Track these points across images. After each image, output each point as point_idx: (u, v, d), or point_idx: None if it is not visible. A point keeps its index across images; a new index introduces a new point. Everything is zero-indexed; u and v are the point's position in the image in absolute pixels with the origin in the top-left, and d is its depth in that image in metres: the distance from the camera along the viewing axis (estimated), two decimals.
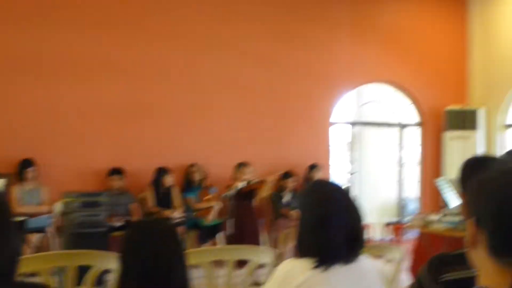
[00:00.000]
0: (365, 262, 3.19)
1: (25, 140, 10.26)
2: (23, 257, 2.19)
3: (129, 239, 2.95)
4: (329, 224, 3.09)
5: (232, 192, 9.31)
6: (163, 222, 3.14)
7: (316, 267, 3.08)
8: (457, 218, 7.79)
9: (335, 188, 3.29)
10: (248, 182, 9.88)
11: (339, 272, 3.08)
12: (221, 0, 11.72)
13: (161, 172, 10.67)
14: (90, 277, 3.94)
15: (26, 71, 10.30)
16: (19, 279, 2.10)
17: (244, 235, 9.60)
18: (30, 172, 10.00)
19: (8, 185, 8.04)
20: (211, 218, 10.65)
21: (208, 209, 10.75)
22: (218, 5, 11.67)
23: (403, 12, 13.36)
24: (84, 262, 3.97)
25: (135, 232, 2.99)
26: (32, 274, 6.82)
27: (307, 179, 11.56)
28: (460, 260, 2.94)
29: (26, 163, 10.01)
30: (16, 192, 9.82)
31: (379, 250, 4.79)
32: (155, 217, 9.94)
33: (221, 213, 10.85)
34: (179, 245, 2.96)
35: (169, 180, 10.67)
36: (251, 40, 11.80)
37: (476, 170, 3.08)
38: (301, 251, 3.21)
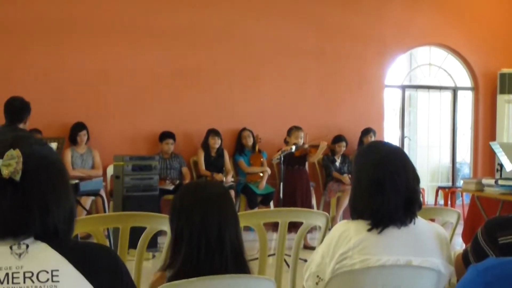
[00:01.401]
0: (421, 224, 3.14)
1: (77, 104, 10.37)
2: (77, 218, 2.19)
3: (181, 201, 2.94)
4: (385, 186, 3.04)
5: (284, 154, 9.25)
6: (215, 184, 3.13)
7: (371, 229, 3.04)
8: None
9: (391, 149, 3.23)
10: (301, 146, 9.82)
11: (394, 234, 3.04)
12: None
13: (210, 133, 10.70)
14: (144, 238, 3.95)
15: (77, 36, 10.39)
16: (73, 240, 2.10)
17: (296, 199, 9.57)
18: (82, 135, 10.11)
19: (60, 149, 8.10)
20: (264, 185, 10.65)
21: (260, 174, 10.75)
22: None
23: None
24: (137, 223, 3.98)
25: (186, 194, 2.98)
26: (86, 236, 6.92)
27: (360, 143, 11.50)
28: None
29: (79, 127, 10.13)
30: (69, 155, 9.94)
31: (434, 213, 4.73)
32: (207, 180, 10.00)
33: (271, 177, 10.86)
34: (231, 207, 2.95)
35: (217, 141, 10.69)
36: (302, 4, 11.69)
37: None
38: (356, 214, 3.17)
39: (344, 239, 3.03)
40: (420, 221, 3.14)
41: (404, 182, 3.06)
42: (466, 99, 13.44)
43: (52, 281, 1.91)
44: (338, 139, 11.33)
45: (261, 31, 11.40)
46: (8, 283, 1.88)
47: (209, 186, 3.02)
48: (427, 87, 13.29)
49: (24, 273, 1.89)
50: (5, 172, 1.88)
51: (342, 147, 11.33)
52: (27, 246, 1.91)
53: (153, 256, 8.50)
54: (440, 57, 13.25)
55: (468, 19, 12.94)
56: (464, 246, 7.90)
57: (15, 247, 1.90)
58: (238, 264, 2.83)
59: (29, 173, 1.92)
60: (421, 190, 3.21)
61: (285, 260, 4.62)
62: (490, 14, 13.12)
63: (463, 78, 13.36)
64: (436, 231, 3.18)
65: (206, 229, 2.79)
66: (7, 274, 1.88)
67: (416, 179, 3.14)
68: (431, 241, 3.11)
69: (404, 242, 3.04)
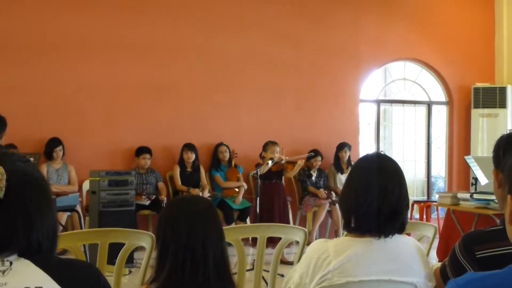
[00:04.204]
0: (401, 240, 3.13)
1: (52, 119, 10.31)
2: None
3: (166, 215, 2.94)
4: (372, 189, 3.03)
5: (261, 170, 9.25)
6: (201, 199, 3.13)
7: (350, 231, 3.06)
8: (490, 196, 7.67)
9: (395, 163, 3.20)
10: (278, 161, 9.81)
11: (374, 254, 3.02)
12: None
13: (184, 147, 10.69)
14: (123, 253, 3.95)
15: (52, 51, 10.34)
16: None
17: (273, 213, 9.56)
18: (58, 151, 10.07)
19: (36, 164, 8.06)
20: (240, 200, 10.64)
21: (236, 190, 10.74)
22: None
23: None
24: (116, 239, 3.98)
25: (172, 208, 2.99)
26: (62, 252, 6.87)
27: (336, 158, 11.53)
28: (496, 237, 2.91)
29: (54, 142, 10.08)
30: (44, 170, 9.88)
31: (410, 228, 4.75)
32: (187, 195, 9.96)
33: (248, 192, 10.86)
34: (216, 222, 2.95)
35: (191, 156, 10.67)
36: (277, 19, 11.72)
37: (511, 147, 3.03)
38: (342, 211, 3.29)
39: (323, 261, 3.01)
40: (399, 238, 3.13)
41: (397, 194, 3.06)
42: (440, 114, 13.54)
43: None
44: (314, 153, 11.34)
45: (237, 46, 11.42)
46: None
47: (195, 201, 3.02)
48: (401, 102, 13.38)
49: None
50: None
51: (317, 162, 11.33)
52: (11, 263, 1.91)
53: (130, 272, 8.47)
54: (415, 72, 13.35)
55: (442, 34, 13.04)
56: (438, 260, 7.96)
57: None
58: (222, 279, 2.84)
59: (13, 190, 1.92)
60: (408, 217, 3.20)
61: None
62: (464, 29, 13.23)
63: (438, 93, 13.46)
64: (414, 247, 3.18)
65: (191, 244, 2.80)
66: None
67: (406, 203, 3.13)
68: (410, 258, 3.10)
69: (384, 261, 3.03)
